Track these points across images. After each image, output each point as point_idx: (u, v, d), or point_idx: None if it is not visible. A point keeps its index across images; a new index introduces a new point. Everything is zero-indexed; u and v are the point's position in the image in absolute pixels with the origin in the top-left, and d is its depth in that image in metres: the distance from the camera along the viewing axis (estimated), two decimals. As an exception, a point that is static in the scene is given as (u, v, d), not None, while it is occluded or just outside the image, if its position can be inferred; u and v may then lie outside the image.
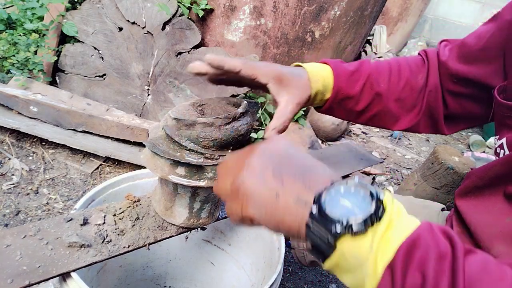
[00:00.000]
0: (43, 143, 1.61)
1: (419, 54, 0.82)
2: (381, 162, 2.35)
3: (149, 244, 0.66)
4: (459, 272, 0.32)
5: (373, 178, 1.41)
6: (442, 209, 0.87)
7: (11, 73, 1.74)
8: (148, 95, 1.88)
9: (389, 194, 0.37)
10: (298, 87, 0.67)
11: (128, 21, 1.79)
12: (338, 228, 0.34)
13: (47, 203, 1.39)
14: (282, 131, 0.66)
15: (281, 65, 0.69)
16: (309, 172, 0.39)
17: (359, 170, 1.06)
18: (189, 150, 0.58)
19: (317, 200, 0.36)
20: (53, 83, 1.88)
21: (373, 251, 0.34)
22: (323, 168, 0.40)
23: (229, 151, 0.61)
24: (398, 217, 0.35)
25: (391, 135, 2.61)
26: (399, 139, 2.57)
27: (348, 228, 0.34)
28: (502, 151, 0.65)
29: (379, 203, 0.35)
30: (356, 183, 0.36)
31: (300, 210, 0.37)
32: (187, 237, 0.77)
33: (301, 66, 0.72)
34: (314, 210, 0.35)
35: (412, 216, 0.37)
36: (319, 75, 0.71)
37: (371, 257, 0.34)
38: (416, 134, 2.77)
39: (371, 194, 0.35)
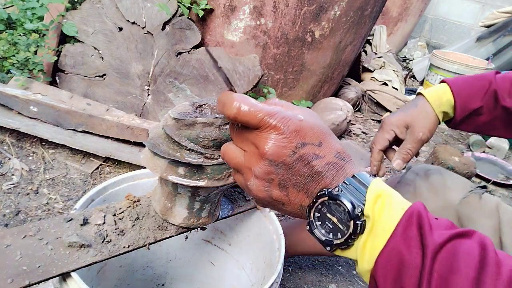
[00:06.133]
0: (43, 143, 1.61)
1: None
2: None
3: (149, 244, 0.66)
4: (428, 283, 0.34)
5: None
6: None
7: (11, 73, 1.74)
8: (148, 95, 1.88)
9: (376, 186, 0.39)
10: (425, 123, 0.79)
11: (128, 21, 1.79)
12: (328, 248, 0.41)
13: (47, 203, 1.39)
14: (407, 159, 0.78)
15: (404, 111, 0.82)
16: (311, 182, 0.40)
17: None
18: (189, 150, 0.58)
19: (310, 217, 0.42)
20: (53, 83, 1.88)
21: (359, 259, 0.39)
22: (320, 173, 0.40)
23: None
24: (379, 220, 0.38)
25: (391, 135, 2.61)
26: (399, 139, 2.56)
27: (334, 246, 0.40)
28: None
29: (357, 221, 0.38)
30: (336, 204, 0.39)
31: (303, 214, 0.42)
32: (187, 237, 0.77)
33: (421, 94, 0.83)
34: (308, 227, 0.42)
35: (398, 204, 0.39)
36: (441, 99, 0.81)
37: (359, 263, 0.39)
38: (416, 134, 2.77)
39: (349, 213, 0.38)
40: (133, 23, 1.79)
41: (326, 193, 0.39)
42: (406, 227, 0.36)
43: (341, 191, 0.39)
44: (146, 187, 0.85)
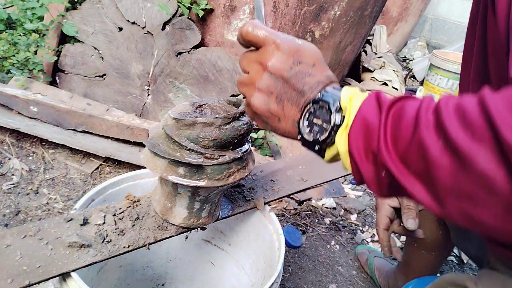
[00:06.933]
0: (43, 143, 1.61)
1: None
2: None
3: (149, 244, 0.66)
4: (385, 134, 0.39)
5: None
6: None
7: (11, 73, 1.74)
8: (148, 95, 1.88)
9: (349, 88, 0.45)
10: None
11: (128, 21, 1.79)
12: (317, 147, 0.46)
13: (47, 203, 1.39)
14: (413, 215, 0.80)
15: None
16: (302, 97, 0.47)
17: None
18: (189, 150, 0.58)
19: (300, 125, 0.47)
20: (53, 83, 1.88)
21: (339, 146, 0.43)
22: (311, 88, 0.46)
23: (229, 150, 0.61)
24: (351, 107, 0.43)
25: (391, 135, 2.62)
26: (399, 139, 2.57)
27: (321, 143, 0.45)
28: None
29: (337, 113, 0.44)
30: (319, 106, 0.45)
31: (295, 129, 0.48)
32: (187, 237, 0.78)
33: None
34: (299, 137, 0.47)
35: (365, 93, 0.45)
36: None
37: (339, 150, 0.44)
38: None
39: (330, 109, 0.44)
40: (133, 23, 1.79)
41: (311, 100, 0.45)
42: (367, 101, 0.42)
43: (322, 96, 0.45)
44: (146, 187, 0.85)
